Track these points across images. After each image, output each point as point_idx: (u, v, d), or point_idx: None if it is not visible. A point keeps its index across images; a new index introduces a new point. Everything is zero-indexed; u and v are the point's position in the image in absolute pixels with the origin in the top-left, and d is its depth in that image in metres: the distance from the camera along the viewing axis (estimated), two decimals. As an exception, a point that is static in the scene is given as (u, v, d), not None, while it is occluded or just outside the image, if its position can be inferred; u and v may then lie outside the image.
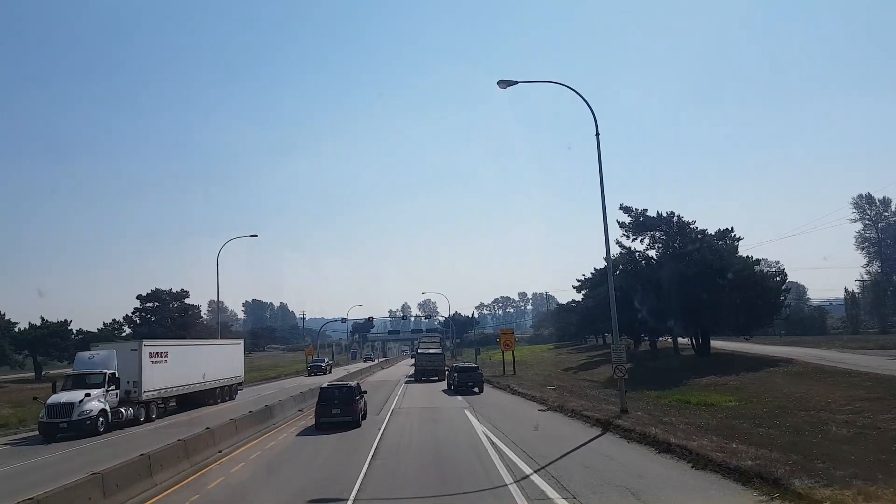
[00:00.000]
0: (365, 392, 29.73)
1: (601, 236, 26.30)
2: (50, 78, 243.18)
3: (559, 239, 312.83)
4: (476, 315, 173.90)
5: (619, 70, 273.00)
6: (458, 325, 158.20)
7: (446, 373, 51.19)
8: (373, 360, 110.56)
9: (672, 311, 49.81)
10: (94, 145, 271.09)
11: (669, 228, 52.31)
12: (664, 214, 51.96)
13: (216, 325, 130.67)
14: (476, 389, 41.83)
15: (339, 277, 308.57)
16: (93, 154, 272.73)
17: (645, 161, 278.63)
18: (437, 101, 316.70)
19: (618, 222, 55.35)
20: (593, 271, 74.04)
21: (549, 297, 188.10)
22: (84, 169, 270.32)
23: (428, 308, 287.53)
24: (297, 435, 25.60)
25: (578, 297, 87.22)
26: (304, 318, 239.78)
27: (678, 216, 51.67)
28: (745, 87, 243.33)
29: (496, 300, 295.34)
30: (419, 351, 63.64)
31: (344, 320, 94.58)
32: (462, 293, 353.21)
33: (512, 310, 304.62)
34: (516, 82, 25.40)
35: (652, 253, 53.71)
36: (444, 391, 44.85)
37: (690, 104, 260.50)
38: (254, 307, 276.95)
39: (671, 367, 49.56)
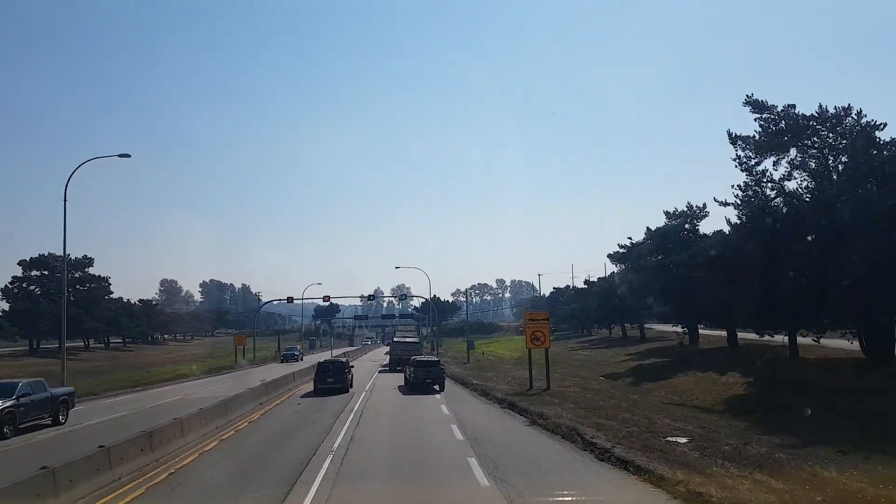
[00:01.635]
0: (353, 366, 41.80)
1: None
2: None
3: (541, 226, 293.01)
4: (455, 301, 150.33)
5: (615, 60, 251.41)
6: (431, 312, 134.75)
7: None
8: (297, 358, 71.35)
9: (834, 284, 26.79)
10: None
11: (833, 137, 28.85)
12: (830, 110, 28.31)
13: (136, 304, 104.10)
14: (436, 387, 34.22)
15: (311, 261, 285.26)
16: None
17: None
18: (421, 85, 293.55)
19: (731, 138, 31.87)
20: (647, 231, 50.46)
21: (539, 282, 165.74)
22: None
23: (401, 293, 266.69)
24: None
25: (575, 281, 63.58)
26: (261, 301, 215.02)
27: (858, 112, 28.02)
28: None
29: (473, 287, 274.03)
30: (395, 339, 59.87)
31: (290, 300, 70.35)
32: (437, 279, 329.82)
33: (490, 297, 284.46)
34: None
35: (792, 184, 30.28)
36: (400, 387, 36.76)
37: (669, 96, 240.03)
38: (211, 288, 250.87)
39: (853, 387, 26.33)
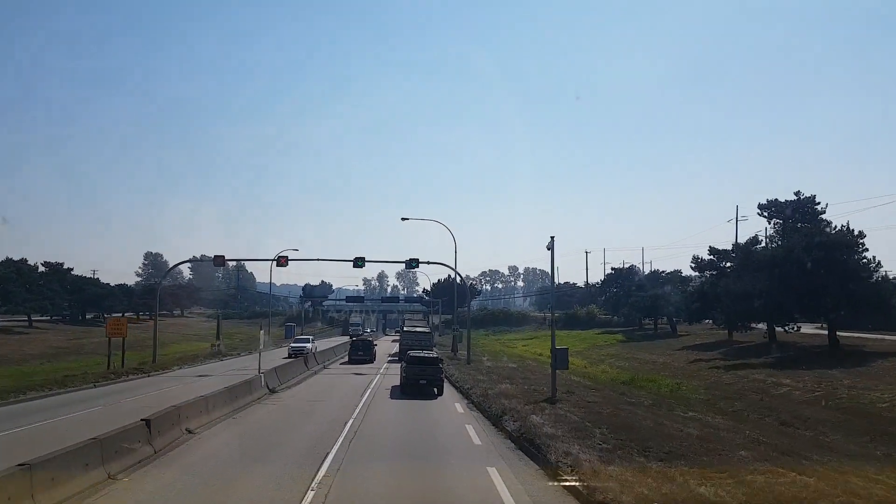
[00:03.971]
0: (376, 344, 53.34)
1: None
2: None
3: (550, 213, 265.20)
4: (472, 284, 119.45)
5: (627, 46, 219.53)
6: (450, 293, 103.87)
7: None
8: None
9: None
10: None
11: None
12: None
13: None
14: (435, 390, 26.76)
15: (313, 244, 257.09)
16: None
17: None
18: (426, 72, 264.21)
19: None
20: None
21: (587, 262, 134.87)
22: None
23: (408, 280, 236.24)
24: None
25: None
26: (239, 276, 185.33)
27: None
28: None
29: (483, 273, 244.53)
30: (405, 329, 52.06)
31: (220, 260, 39.15)
32: (443, 268, 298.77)
33: (501, 285, 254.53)
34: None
35: None
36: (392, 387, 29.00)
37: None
38: (202, 265, 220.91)
39: None
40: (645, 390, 28.27)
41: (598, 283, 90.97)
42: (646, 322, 71.62)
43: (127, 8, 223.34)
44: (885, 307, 33.98)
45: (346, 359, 45.22)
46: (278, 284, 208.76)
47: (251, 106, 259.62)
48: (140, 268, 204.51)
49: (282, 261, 38.55)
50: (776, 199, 41.70)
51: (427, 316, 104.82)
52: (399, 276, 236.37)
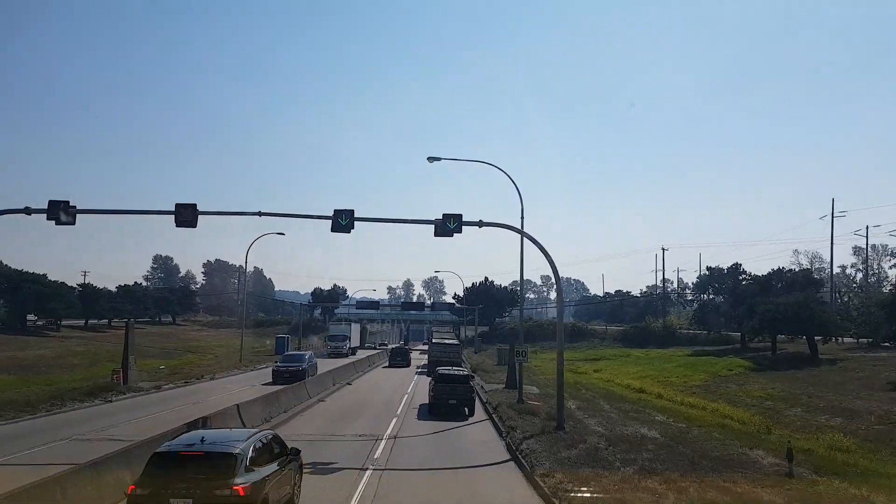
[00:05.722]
0: (410, 349, 62.05)
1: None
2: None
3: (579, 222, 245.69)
4: (512, 288, 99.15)
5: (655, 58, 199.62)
6: (482, 299, 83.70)
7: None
8: None
9: None
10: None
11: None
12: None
13: None
14: (466, 410, 24.34)
15: (335, 250, 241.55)
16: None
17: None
18: (451, 79, 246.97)
19: None
20: None
21: (663, 257, 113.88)
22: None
23: (433, 287, 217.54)
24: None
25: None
26: (246, 281, 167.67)
27: None
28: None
29: (514, 283, 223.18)
30: (433, 341, 53.90)
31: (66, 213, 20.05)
32: (470, 275, 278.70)
33: (533, 295, 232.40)
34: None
35: None
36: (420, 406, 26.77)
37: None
38: (216, 269, 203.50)
39: None
40: None
41: (675, 289, 69.94)
42: (752, 340, 50.96)
43: (161, 18, 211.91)
44: None
45: (387, 363, 54.52)
46: (302, 293, 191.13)
47: (272, 112, 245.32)
48: (148, 271, 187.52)
49: (183, 213, 18.87)
50: None
51: (457, 327, 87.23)
52: (426, 283, 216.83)
